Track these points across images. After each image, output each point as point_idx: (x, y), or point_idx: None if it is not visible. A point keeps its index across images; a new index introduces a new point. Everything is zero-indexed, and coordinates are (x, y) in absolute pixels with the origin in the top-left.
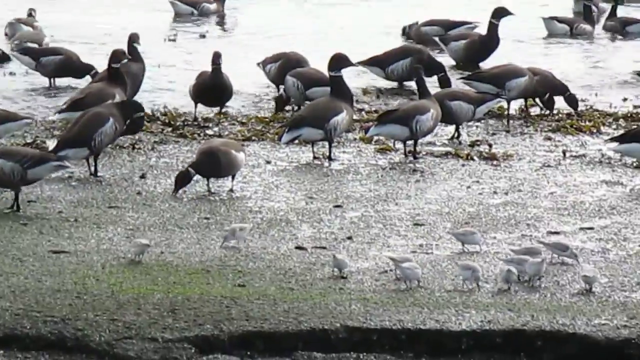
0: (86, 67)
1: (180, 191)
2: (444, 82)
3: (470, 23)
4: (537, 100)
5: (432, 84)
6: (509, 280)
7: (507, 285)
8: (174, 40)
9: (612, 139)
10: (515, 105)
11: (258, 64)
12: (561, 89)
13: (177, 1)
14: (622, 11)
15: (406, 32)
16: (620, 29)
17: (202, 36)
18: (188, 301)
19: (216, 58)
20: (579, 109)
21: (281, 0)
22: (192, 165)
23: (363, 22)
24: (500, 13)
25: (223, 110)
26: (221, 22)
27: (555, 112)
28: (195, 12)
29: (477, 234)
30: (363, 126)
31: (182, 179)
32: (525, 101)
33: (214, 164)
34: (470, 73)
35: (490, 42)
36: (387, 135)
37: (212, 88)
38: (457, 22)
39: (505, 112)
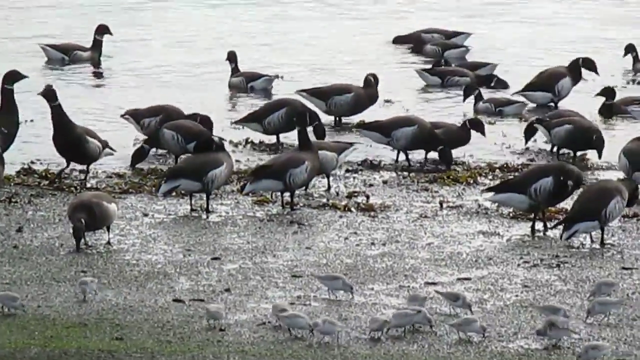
0: None
1: (57, 244)
2: (319, 131)
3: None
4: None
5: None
6: (380, 329)
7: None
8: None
9: (488, 189)
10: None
11: (124, 116)
12: (440, 142)
13: (48, 47)
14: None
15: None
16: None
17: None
18: (65, 355)
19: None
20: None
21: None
22: (78, 216)
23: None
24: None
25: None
26: (95, 70)
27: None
28: (67, 58)
29: (343, 278)
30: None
31: (79, 232)
32: (425, 153)
33: (88, 217)
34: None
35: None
36: (263, 190)
37: (62, 145)
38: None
39: (381, 164)
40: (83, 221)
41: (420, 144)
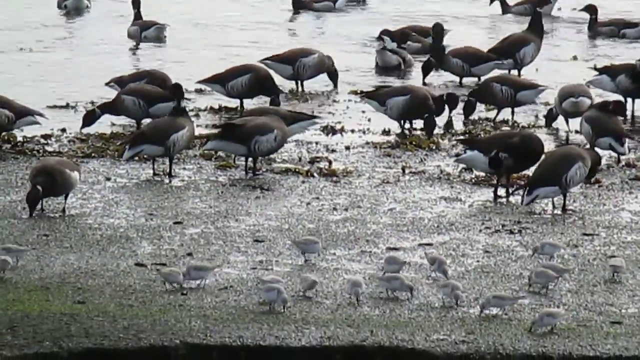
0: None
1: (19, 208)
2: (274, 105)
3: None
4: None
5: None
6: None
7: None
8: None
9: (460, 141)
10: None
11: (109, 84)
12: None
13: None
14: None
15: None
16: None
17: None
18: (27, 318)
19: None
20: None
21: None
22: (36, 182)
23: None
24: None
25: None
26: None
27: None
28: None
29: (319, 243)
30: None
31: (34, 198)
32: (402, 123)
33: (49, 183)
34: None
35: None
36: (225, 151)
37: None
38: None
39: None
40: (40, 188)
41: (414, 114)
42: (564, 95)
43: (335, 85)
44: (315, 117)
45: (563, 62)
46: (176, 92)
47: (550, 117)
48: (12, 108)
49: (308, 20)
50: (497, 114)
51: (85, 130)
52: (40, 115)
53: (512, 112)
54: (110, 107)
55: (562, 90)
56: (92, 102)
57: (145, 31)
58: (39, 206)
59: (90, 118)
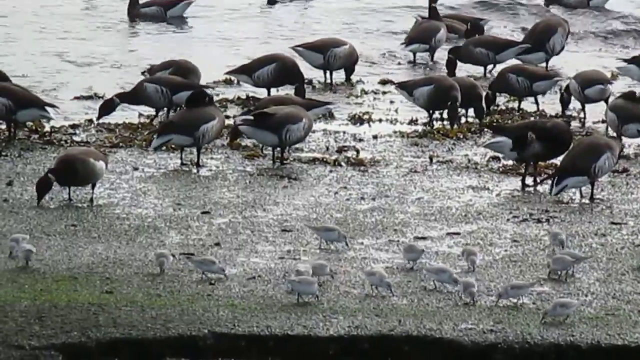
0: None
1: (47, 198)
2: (299, 93)
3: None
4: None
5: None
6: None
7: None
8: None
9: (489, 127)
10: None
11: (144, 73)
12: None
13: None
14: None
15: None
16: None
17: None
18: (55, 308)
19: None
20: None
21: None
22: (50, 171)
23: None
24: None
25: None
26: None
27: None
28: None
29: (337, 230)
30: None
31: (43, 187)
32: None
33: (71, 173)
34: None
35: None
36: (255, 139)
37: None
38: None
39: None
40: (52, 177)
41: (440, 104)
42: (587, 82)
43: (348, 79)
44: (328, 103)
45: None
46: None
47: (565, 103)
48: (14, 98)
49: (291, 10)
50: (519, 103)
51: (114, 121)
52: (52, 106)
53: (536, 102)
54: (130, 96)
55: (581, 77)
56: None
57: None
58: (65, 195)
59: (108, 107)
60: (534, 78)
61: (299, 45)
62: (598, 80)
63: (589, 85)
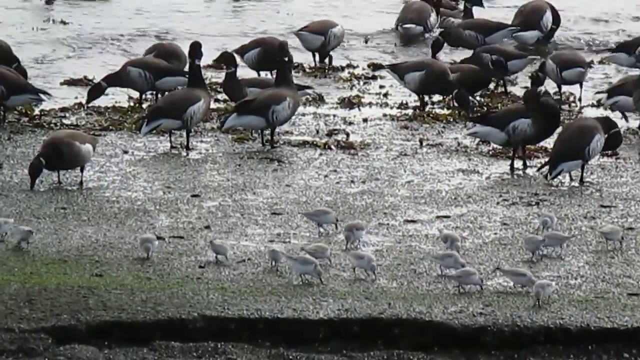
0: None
1: (37, 181)
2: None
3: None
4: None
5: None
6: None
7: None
8: None
9: (471, 119)
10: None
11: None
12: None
13: None
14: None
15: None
16: None
17: None
18: (45, 291)
19: None
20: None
21: None
22: (40, 154)
23: None
24: None
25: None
26: None
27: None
28: None
29: (332, 213)
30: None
31: (35, 170)
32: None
33: (57, 156)
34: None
35: None
36: (245, 126)
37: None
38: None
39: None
40: (43, 160)
41: (432, 89)
42: (565, 63)
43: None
44: (308, 87)
45: None
46: (191, 50)
47: (538, 83)
48: (7, 83)
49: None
50: (504, 85)
51: (104, 104)
52: (45, 93)
53: (504, 83)
54: (116, 79)
55: (560, 57)
56: None
57: None
58: (55, 178)
59: (96, 91)
60: (508, 57)
61: (300, 30)
62: (577, 63)
63: (567, 67)
